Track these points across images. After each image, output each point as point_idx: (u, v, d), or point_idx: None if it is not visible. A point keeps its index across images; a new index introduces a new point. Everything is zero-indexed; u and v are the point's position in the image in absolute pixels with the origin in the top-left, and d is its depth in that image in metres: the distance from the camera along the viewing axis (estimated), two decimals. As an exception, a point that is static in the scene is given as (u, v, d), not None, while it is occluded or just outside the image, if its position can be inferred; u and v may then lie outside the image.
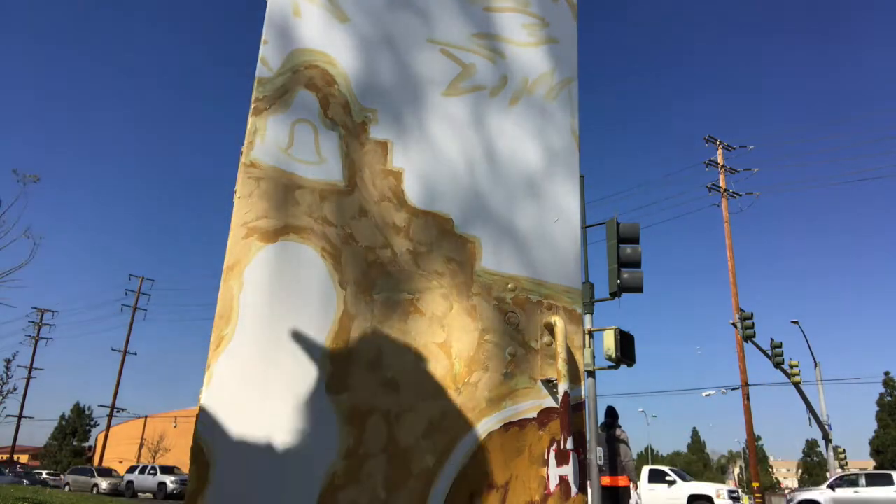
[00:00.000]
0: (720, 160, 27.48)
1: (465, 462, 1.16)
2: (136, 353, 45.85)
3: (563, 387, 1.28)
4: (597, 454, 9.05)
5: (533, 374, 1.31)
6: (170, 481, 26.68)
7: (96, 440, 54.72)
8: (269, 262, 1.10)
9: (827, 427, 22.28)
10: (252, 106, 1.16)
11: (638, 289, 10.23)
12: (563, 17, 1.55)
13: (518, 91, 1.43)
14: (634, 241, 10.42)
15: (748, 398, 22.72)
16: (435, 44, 1.33)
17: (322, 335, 1.06)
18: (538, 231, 1.39)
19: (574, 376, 1.35)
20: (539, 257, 1.38)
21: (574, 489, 1.33)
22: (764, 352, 20.27)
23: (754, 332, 19.95)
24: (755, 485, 21.99)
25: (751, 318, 20.09)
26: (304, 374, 1.03)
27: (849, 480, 17.90)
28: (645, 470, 21.21)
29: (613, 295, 10.38)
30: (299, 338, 1.03)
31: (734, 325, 21.52)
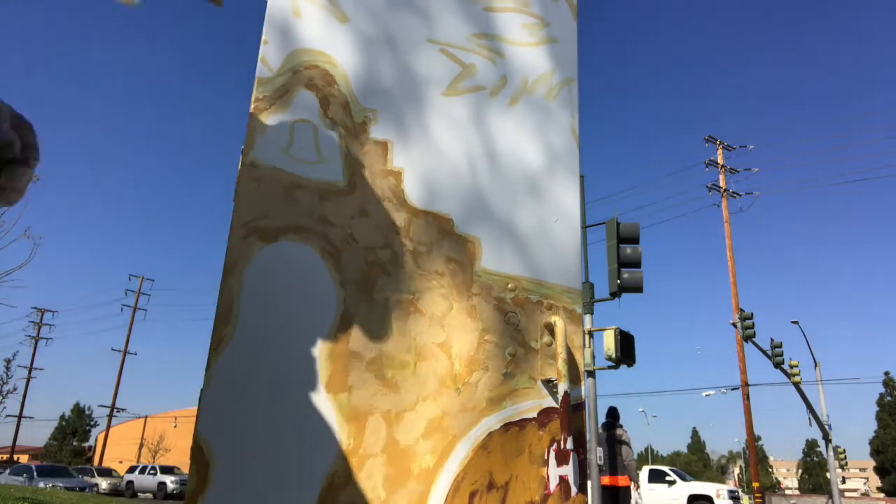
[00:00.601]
0: (720, 160, 27.49)
1: (465, 462, 1.16)
2: (136, 353, 45.87)
3: (563, 387, 1.28)
4: (597, 454, 9.05)
5: (533, 374, 1.31)
6: (170, 481, 26.69)
7: (96, 440, 54.74)
8: (269, 263, 1.10)
9: (827, 427, 22.28)
10: (252, 106, 1.16)
11: (638, 289, 10.23)
12: (563, 16, 1.55)
13: (518, 91, 1.43)
14: (634, 241, 10.42)
15: (748, 398, 22.71)
16: (435, 44, 1.33)
17: (322, 335, 1.06)
18: (538, 231, 1.39)
19: (574, 376, 1.35)
20: (539, 257, 1.38)
21: (574, 489, 1.33)
22: (764, 352, 20.27)
23: (754, 332, 19.94)
24: (755, 485, 21.99)
25: (751, 318, 20.08)
26: (304, 374, 1.03)
27: None
28: (645, 470, 21.21)
29: (613, 295, 10.38)
30: (299, 338, 1.03)
31: (734, 325, 21.51)
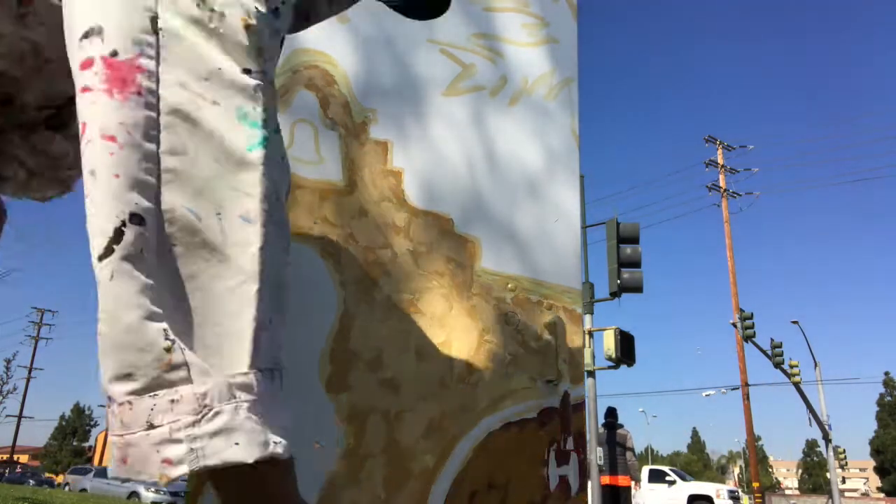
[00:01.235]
0: (720, 160, 27.49)
1: (465, 462, 1.16)
2: (136, 353, 45.51)
3: (563, 387, 1.28)
4: (597, 454, 9.06)
5: (533, 374, 1.31)
6: (170, 481, 26.68)
7: (96, 440, 54.72)
8: (269, 262, 1.09)
9: (827, 427, 22.27)
10: (252, 106, 1.16)
11: (638, 289, 10.23)
12: (563, 17, 1.55)
13: (518, 91, 1.43)
14: (634, 241, 10.42)
15: (748, 398, 22.71)
16: (435, 44, 1.33)
17: (322, 335, 1.06)
18: (538, 231, 1.39)
19: (574, 376, 1.35)
20: (539, 257, 1.38)
21: (574, 489, 1.33)
22: (764, 352, 20.27)
23: (754, 332, 19.93)
24: (755, 485, 21.98)
25: (751, 318, 20.08)
26: (303, 375, 1.03)
27: None
28: (645, 470, 21.21)
29: (613, 295, 10.38)
30: (299, 338, 1.03)
31: (734, 325, 21.51)
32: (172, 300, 0.50)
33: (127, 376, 0.48)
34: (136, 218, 0.48)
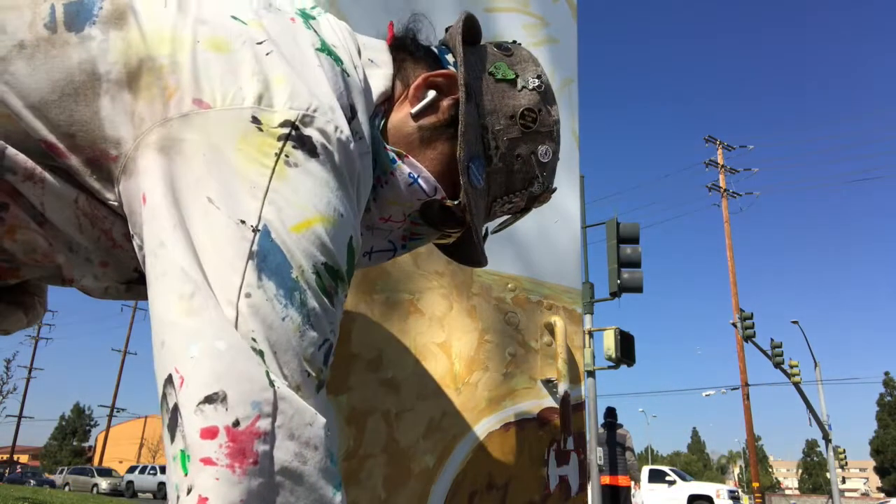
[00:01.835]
0: (720, 160, 27.50)
1: (465, 462, 1.16)
2: (136, 353, 45.74)
3: (563, 387, 1.28)
4: (597, 454, 9.06)
5: (533, 374, 1.31)
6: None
7: (96, 440, 54.74)
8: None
9: (827, 427, 22.27)
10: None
11: (638, 289, 10.23)
12: (563, 17, 1.55)
13: (518, 91, 1.42)
14: (634, 241, 10.42)
15: (748, 398, 22.71)
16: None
17: (322, 335, 1.06)
18: (538, 231, 1.39)
19: (574, 376, 1.35)
20: (539, 257, 1.38)
21: (574, 489, 1.33)
22: (764, 352, 20.27)
23: (754, 332, 19.94)
24: (755, 485, 21.99)
25: (751, 318, 20.08)
26: (304, 374, 1.03)
27: None
28: (645, 470, 21.22)
29: (613, 295, 10.39)
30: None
31: (734, 325, 21.51)
32: None
33: None
34: None
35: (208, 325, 0.55)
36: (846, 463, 26.31)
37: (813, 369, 24.05)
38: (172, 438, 0.55)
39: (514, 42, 0.89)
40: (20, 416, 42.46)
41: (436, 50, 0.85)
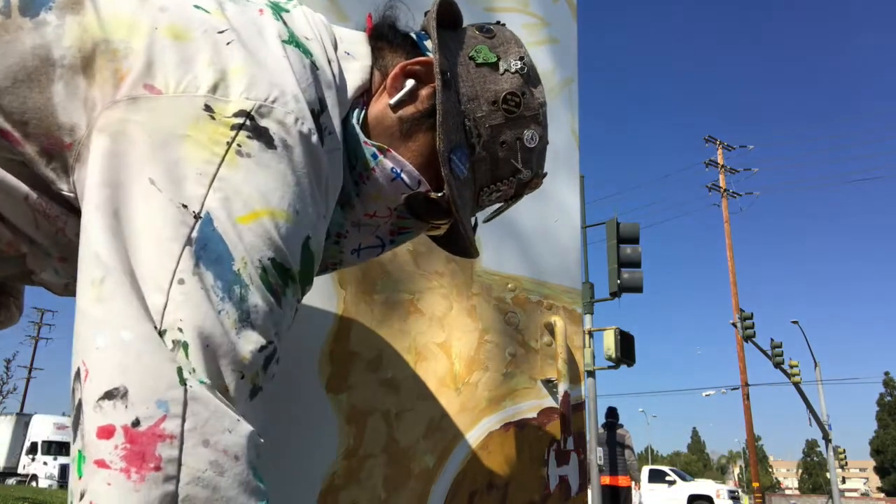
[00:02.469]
0: (720, 160, 27.50)
1: (465, 462, 1.16)
2: (136, 353, 45.47)
3: (563, 387, 1.28)
4: (597, 454, 9.06)
5: (533, 374, 1.31)
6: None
7: (96, 440, 54.55)
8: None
9: (827, 427, 22.27)
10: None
11: (638, 289, 10.23)
12: (563, 17, 1.55)
13: (518, 91, 1.42)
14: (634, 241, 10.42)
15: (748, 398, 22.71)
16: (435, 44, 1.33)
17: (322, 335, 1.06)
18: (539, 231, 1.39)
19: (574, 376, 1.35)
20: (539, 257, 1.38)
21: (574, 489, 1.33)
22: (764, 352, 20.27)
23: (754, 332, 19.94)
24: (755, 485, 21.98)
25: (751, 318, 20.07)
26: (303, 375, 1.03)
27: None
28: (645, 470, 21.22)
29: (613, 295, 10.38)
30: (299, 338, 1.03)
31: (734, 325, 21.51)
32: None
33: None
34: None
35: (116, 314, 0.50)
36: (846, 463, 26.32)
37: (813, 369, 24.05)
38: (74, 438, 0.50)
39: (498, 22, 0.85)
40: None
41: (415, 36, 0.82)
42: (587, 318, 10.45)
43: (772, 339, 20.48)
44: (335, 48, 0.74)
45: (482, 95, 0.76)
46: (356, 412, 1.05)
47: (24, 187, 0.62)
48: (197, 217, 0.54)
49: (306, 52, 0.67)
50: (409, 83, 0.75)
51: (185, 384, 0.50)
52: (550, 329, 1.35)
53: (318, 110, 0.65)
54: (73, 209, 0.63)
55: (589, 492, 8.01)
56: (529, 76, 0.80)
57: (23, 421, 24.81)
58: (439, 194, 0.75)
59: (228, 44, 0.62)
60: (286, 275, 0.59)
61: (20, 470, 23.35)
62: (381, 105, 0.76)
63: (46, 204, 0.63)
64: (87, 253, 0.53)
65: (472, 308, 1.24)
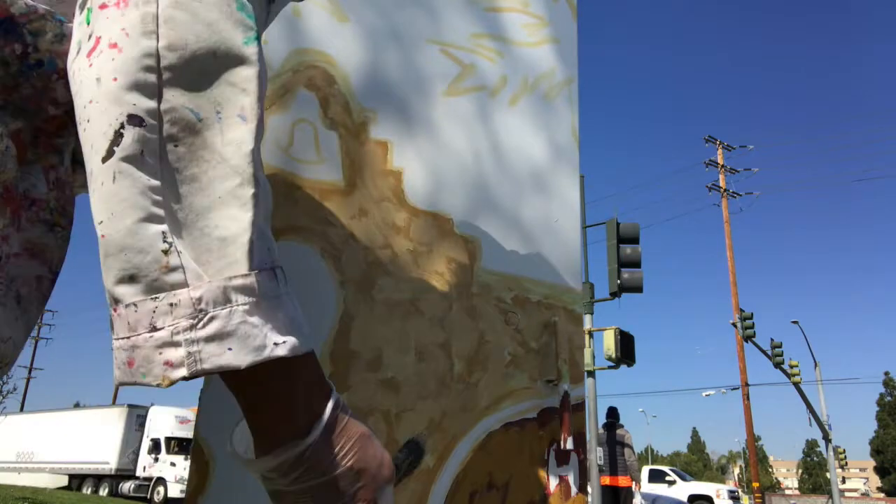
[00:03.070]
0: (720, 160, 27.50)
1: (465, 462, 1.16)
2: (136, 353, 45.48)
3: (563, 387, 1.28)
4: (597, 454, 9.06)
5: (533, 374, 1.31)
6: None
7: (96, 440, 54.49)
8: (269, 262, 1.09)
9: (827, 427, 22.27)
10: (252, 106, 1.16)
11: (638, 289, 10.24)
12: (563, 16, 1.55)
13: (518, 91, 1.43)
14: (634, 241, 10.42)
15: (748, 398, 22.72)
16: (435, 44, 1.33)
17: (322, 335, 1.06)
18: (538, 231, 1.39)
19: (574, 376, 1.35)
20: (539, 257, 1.38)
21: (574, 489, 1.33)
22: (764, 352, 20.27)
23: (754, 332, 19.94)
24: (755, 485, 21.99)
25: (751, 318, 20.08)
26: (304, 374, 1.03)
27: None
28: (645, 470, 21.22)
29: (613, 295, 10.39)
30: (299, 338, 1.03)
31: (734, 325, 21.51)
32: (174, 202, 0.49)
33: (131, 278, 0.48)
34: (135, 119, 0.48)
35: None
36: (846, 463, 26.32)
37: (813, 369, 24.06)
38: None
39: None
40: (20, 416, 42.31)
41: None
42: (587, 318, 10.45)
43: (772, 339, 20.49)
44: None
45: None
46: (356, 412, 1.05)
47: None
48: None
49: None
50: None
51: None
52: (550, 329, 1.35)
53: None
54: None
55: (589, 492, 8.01)
56: None
57: (135, 413, 20.76)
58: None
59: None
60: None
61: (139, 472, 19.41)
62: None
63: None
64: None
65: (472, 308, 1.24)
